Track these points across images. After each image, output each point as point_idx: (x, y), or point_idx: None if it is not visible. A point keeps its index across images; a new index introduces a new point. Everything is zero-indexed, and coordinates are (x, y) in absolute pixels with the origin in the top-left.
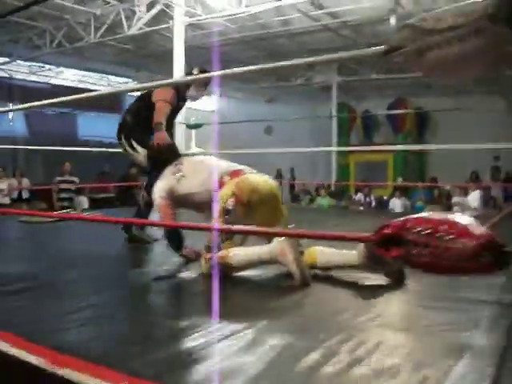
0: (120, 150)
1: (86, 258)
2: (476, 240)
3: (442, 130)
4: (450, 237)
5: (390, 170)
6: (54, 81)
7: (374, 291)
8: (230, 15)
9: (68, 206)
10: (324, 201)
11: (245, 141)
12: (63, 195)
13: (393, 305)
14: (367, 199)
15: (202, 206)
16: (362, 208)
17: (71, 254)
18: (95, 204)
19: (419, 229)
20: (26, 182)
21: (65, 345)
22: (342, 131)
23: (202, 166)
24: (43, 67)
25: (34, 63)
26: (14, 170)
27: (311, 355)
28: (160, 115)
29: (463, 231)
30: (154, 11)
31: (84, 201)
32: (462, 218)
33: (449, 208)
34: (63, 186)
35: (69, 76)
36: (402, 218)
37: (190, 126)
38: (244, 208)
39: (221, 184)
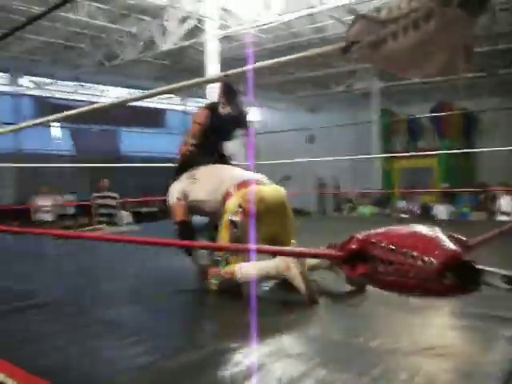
0: (162, 165)
1: (107, 275)
2: (439, 258)
3: (490, 133)
4: (414, 253)
5: (436, 175)
6: (96, 99)
7: (384, 308)
8: (262, 25)
9: (107, 222)
10: (366, 209)
11: (287, 151)
12: (102, 211)
13: (412, 324)
14: (410, 206)
15: (211, 215)
16: (405, 215)
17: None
18: (138, 218)
19: (384, 243)
20: (70, 198)
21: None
22: (384, 137)
23: (215, 175)
24: (84, 86)
25: (76, 83)
26: (60, 186)
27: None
28: (189, 136)
29: (427, 247)
30: (185, 26)
31: (126, 216)
32: (432, 231)
33: (492, 214)
34: (101, 201)
35: (115, 94)
36: (367, 232)
37: None
38: (251, 220)
39: (227, 195)
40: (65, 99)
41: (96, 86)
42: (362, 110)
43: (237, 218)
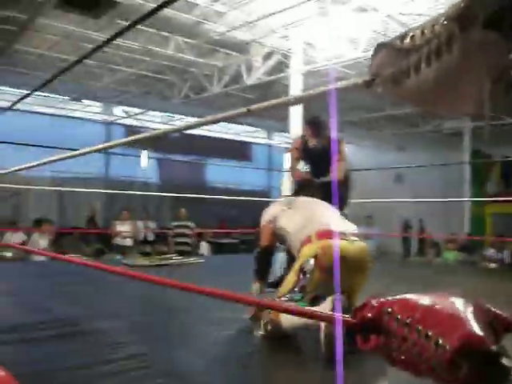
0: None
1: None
2: (455, 342)
3: None
4: (429, 332)
5: None
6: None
7: None
8: (346, 61)
9: (184, 251)
10: (450, 255)
11: (374, 189)
12: (179, 240)
13: None
14: (500, 255)
15: (290, 248)
16: (492, 265)
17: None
18: (218, 249)
19: (400, 315)
20: (152, 225)
21: None
22: (477, 180)
23: (308, 210)
24: (173, 117)
25: (165, 113)
26: (142, 213)
27: None
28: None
29: (446, 327)
30: (271, 61)
31: (203, 246)
32: (461, 305)
33: None
34: (178, 231)
35: (215, 127)
36: (384, 298)
37: None
38: (323, 274)
39: (307, 240)
40: (154, 129)
41: (184, 117)
42: (452, 151)
43: (308, 268)
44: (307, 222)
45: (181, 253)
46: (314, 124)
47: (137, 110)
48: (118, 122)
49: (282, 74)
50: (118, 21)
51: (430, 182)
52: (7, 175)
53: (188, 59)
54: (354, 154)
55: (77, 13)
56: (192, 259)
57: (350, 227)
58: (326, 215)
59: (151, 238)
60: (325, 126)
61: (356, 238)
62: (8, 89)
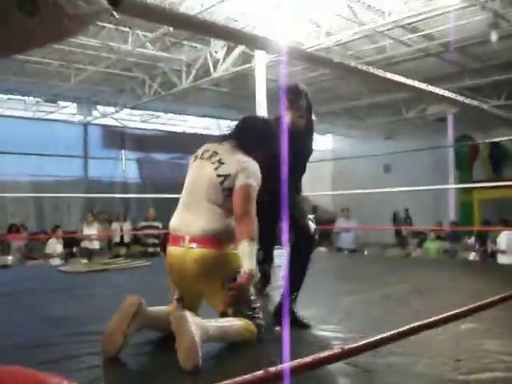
0: None
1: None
2: None
3: None
4: None
5: None
6: (165, 128)
7: None
8: (311, 47)
9: (153, 252)
10: (432, 245)
11: (363, 180)
12: (149, 240)
13: None
14: (479, 245)
15: None
16: (472, 255)
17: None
18: None
19: None
20: (127, 226)
21: None
22: (463, 166)
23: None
24: (152, 115)
25: (144, 112)
26: (118, 214)
27: None
28: None
29: None
30: (235, 53)
31: None
32: None
33: None
34: (147, 231)
35: (195, 123)
36: None
37: None
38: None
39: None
40: (133, 128)
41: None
42: (438, 137)
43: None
44: (180, 203)
45: (149, 254)
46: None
47: (112, 110)
48: (95, 122)
49: (247, 65)
50: None
51: (418, 170)
52: None
53: (152, 54)
54: (340, 144)
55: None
56: (137, 263)
57: (198, 230)
58: (183, 212)
59: (127, 239)
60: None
61: (193, 245)
62: None
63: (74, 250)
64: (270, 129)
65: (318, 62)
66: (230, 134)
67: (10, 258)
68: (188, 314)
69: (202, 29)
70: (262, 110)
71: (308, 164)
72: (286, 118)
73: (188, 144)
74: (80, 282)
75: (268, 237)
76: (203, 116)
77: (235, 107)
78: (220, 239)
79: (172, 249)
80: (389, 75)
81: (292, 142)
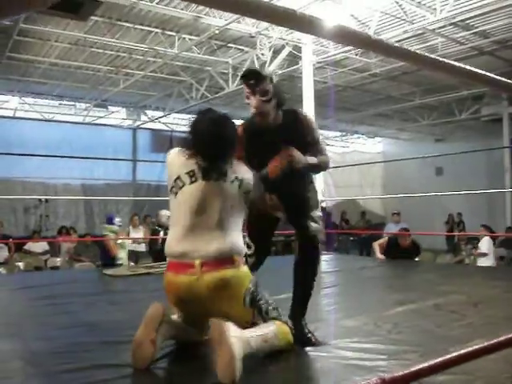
0: None
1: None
2: None
3: None
4: None
5: None
6: None
7: None
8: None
9: None
10: None
11: (414, 183)
12: None
13: None
14: None
15: None
16: None
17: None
18: None
19: None
20: None
21: None
22: None
23: (179, 215)
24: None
25: (191, 116)
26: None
27: None
28: None
29: None
30: (282, 55)
31: None
32: None
33: None
34: None
35: None
36: None
37: None
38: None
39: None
40: (182, 131)
41: None
42: (492, 139)
43: None
44: (181, 226)
45: None
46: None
47: (160, 114)
48: (143, 126)
49: (295, 67)
50: (116, 22)
51: (472, 173)
52: (35, 184)
53: (199, 58)
54: (390, 147)
55: (61, 16)
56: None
57: (211, 252)
58: (188, 236)
59: None
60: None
61: (206, 270)
62: (30, 99)
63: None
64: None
65: (375, 46)
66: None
67: (58, 259)
68: (228, 325)
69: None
70: (309, 113)
71: (357, 168)
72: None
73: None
74: (122, 286)
75: (264, 240)
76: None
77: None
78: (235, 259)
79: (178, 278)
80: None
81: (264, 134)
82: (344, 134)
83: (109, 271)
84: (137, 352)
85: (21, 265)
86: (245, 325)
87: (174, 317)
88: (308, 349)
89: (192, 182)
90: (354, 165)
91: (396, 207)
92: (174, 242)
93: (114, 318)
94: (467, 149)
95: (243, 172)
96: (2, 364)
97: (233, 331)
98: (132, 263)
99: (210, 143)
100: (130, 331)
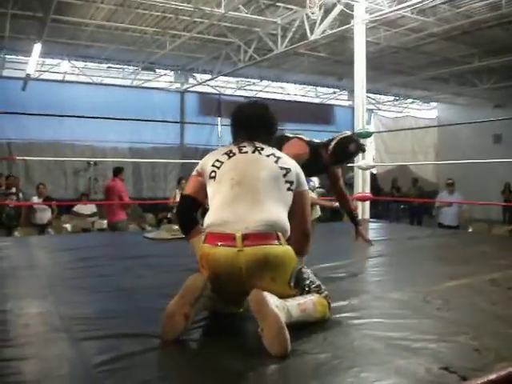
0: None
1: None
2: None
3: None
4: None
5: None
6: (261, 95)
7: None
8: (416, 4)
9: None
10: None
11: (469, 151)
12: None
13: None
14: None
15: None
16: None
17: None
18: None
19: None
20: None
21: None
22: None
23: (224, 189)
24: (248, 82)
25: (240, 79)
26: None
27: None
28: None
29: None
30: (334, 13)
31: None
32: None
33: None
34: None
35: (292, 90)
36: None
37: (358, 135)
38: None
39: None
40: (229, 95)
41: (257, 81)
42: None
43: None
44: (221, 201)
45: None
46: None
47: (208, 77)
48: (191, 90)
49: (346, 27)
50: None
51: None
52: (83, 147)
53: (246, 18)
54: (446, 113)
55: None
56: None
57: (256, 224)
58: (232, 206)
59: None
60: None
61: (248, 243)
62: (79, 63)
63: (169, 215)
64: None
65: None
66: (240, 132)
67: (105, 221)
68: (268, 295)
69: None
70: (360, 76)
71: (411, 134)
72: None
73: (285, 112)
74: (162, 250)
75: None
76: (300, 83)
77: (333, 73)
78: (279, 234)
79: (216, 250)
80: None
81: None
82: (397, 98)
83: (150, 234)
84: (167, 323)
85: (68, 227)
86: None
87: None
88: (346, 324)
89: (230, 157)
90: (407, 129)
91: (450, 175)
92: (213, 212)
93: (148, 283)
94: None
95: (288, 160)
96: (25, 328)
97: (273, 301)
98: (177, 226)
99: (248, 118)
100: (162, 299)
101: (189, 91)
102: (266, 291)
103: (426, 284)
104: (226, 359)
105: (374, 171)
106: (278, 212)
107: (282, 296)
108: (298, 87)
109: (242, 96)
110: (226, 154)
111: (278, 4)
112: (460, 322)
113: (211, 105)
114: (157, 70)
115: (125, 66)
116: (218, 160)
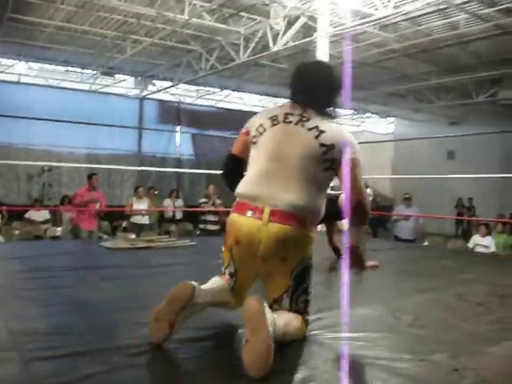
0: None
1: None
2: None
3: None
4: None
5: None
6: (221, 104)
7: None
8: (378, 20)
9: (208, 230)
10: (498, 238)
11: (424, 166)
12: (205, 218)
13: None
14: None
15: None
16: None
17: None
18: None
19: None
20: (179, 203)
21: None
22: None
23: (261, 158)
24: (208, 91)
25: (200, 87)
26: (172, 190)
27: None
28: None
29: None
30: (297, 25)
31: None
32: None
33: None
34: (205, 208)
35: (249, 101)
36: None
37: None
38: (226, 250)
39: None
40: (189, 103)
41: (217, 90)
42: (510, 124)
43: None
44: (256, 170)
45: (208, 232)
46: None
47: (168, 84)
48: (151, 97)
49: (308, 39)
50: None
51: (485, 158)
52: (38, 151)
53: (210, 26)
54: (403, 128)
55: None
56: (180, 242)
57: (284, 203)
58: (264, 180)
59: (180, 216)
60: None
61: (273, 220)
62: (36, 65)
63: (124, 224)
64: (335, 72)
65: None
66: (297, 95)
67: (59, 229)
68: (266, 307)
69: None
70: None
71: (367, 148)
72: None
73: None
74: (119, 260)
75: None
76: (261, 94)
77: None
78: (306, 219)
79: (243, 219)
80: None
81: None
82: (355, 112)
83: (107, 243)
84: (153, 326)
85: (18, 233)
86: (274, 294)
87: (215, 280)
88: (320, 342)
89: (273, 125)
90: (363, 142)
91: (405, 189)
92: (247, 183)
93: (106, 296)
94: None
95: (332, 135)
96: None
97: (270, 315)
98: (133, 235)
99: (302, 78)
100: (120, 312)
101: (148, 98)
102: (270, 272)
103: (394, 299)
104: (195, 379)
105: (332, 183)
106: (308, 195)
107: (278, 284)
108: (258, 98)
109: (202, 105)
110: (271, 118)
111: (242, 13)
112: (434, 339)
113: (170, 112)
114: (116, 76)
115: (83, 70)
116: (261, 125)
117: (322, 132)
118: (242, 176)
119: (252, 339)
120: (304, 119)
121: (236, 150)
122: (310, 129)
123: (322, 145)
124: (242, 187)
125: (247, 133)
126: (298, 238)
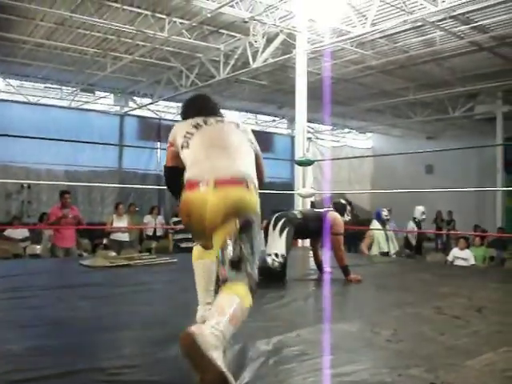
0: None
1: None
2: None
3: None
4: None
5: None
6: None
7: None
8: (355, 37)
9: (182, 248)
10: (477, 251)
11: (403, 181)
12: (180, 236)
13: None
14: None
15: None
16: None
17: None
18: None
19: None
20: (160, 219)
21: None
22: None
23: (203, 144)
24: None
25: (181, 104)
26: (153, 207)
27: None
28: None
29: None
30: (276, 42)
31: None
32: None
33: None
34: (178, 226)
35: (230, 117)
36: None
37: (299, 163)
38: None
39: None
40: (170, 120)
41: None
42: (485, 139)
43: None
44: (196, 159)
45: (183, 249)
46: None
47: (148, 101)
48: (131, 113)
49: (287, 56)
50: (104, 1)
51: (463, 172)
52: (17, 169)
53: (189, 43)
54: (381, 143)
55: None
56: (162, 259)
57: (228, 171)
58: (205, 162)
59: (160, 233)
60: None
61: (219, 186)
62: (14, 81)
63: (105, 241)
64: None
65: None
66: (199, 112)
67: (38, 247)
68: (200, 337)
69: None
70: (302, 105)
71: (347, 163)
72: None
73: None
74: (99, 279)
75: None
76: (241, 110)
77: (274, 102)
78: (248, 182)
79: (192, 193)
80: None
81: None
82: (335, 128)
83: (86, 261)
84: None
85: None
86: (223, 237)
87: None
88: (297, 359)
89: (199, 129)
90: (342, 158)
91: (384, 204)
92: (190, 168)
93: (84, 315)
94: (459, 147)
95: (243, 125)
96: None
97: (209, 340)
98: (114, 253)
99: (200, 102)
100: (99, 333)
101: (128, 115)
102: (221, 228)
103: (373, 313)
104: None
105: (313, 199)
106: (247, 165)
107: (229, 233)
108: (238, 114)
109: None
110: (193, 126)
111: (222, 31)
112: (412, 353)
113: (151, 129)
114: (96, 92)
115: (63, 87)
116: (188, 132)
117: (237, 124)
118: (182, 182)
119: (206, 378)
120: (218, 120)
121: (169, 163)
122: (229, 122)
123: (244, 131)
124: (188, 173)
125: (172, 144)
126: (244, 195)
